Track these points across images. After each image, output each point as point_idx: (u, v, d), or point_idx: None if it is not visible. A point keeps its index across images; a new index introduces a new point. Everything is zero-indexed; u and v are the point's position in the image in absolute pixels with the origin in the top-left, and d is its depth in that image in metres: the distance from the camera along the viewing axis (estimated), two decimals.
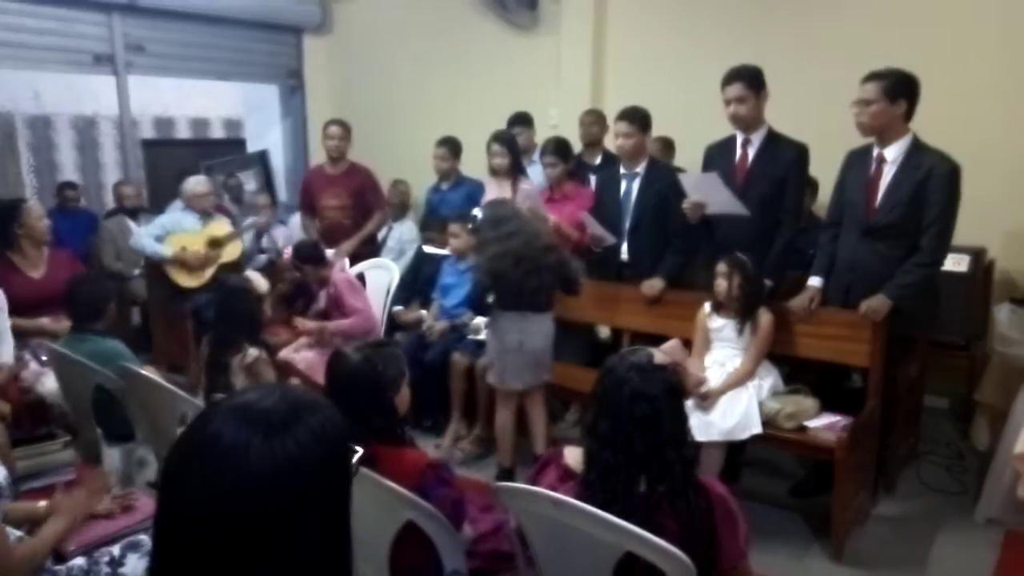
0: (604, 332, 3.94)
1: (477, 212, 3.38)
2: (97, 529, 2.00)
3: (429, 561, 1.88)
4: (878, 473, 3.22)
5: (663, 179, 3.52)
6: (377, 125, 6.14)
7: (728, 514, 1.65)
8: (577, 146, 4.51)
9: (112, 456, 2.98)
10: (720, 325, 3.10)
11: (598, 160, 4.43)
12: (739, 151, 3.29)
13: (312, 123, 6.62)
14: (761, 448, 3.07)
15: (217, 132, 8.57)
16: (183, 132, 8.38)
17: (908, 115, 2.91)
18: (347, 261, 4.64)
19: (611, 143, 4.17)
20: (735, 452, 3.02)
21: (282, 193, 6.89)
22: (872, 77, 2.89)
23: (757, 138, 3.25)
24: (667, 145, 4.46)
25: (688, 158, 3.56)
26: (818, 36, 4.34)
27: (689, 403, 2.43)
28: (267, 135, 7.12)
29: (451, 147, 4.69)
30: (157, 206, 5.71)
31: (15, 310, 3.36)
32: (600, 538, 1.59)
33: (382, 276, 4.49)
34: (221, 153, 6.92)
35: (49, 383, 3.19)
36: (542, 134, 4.61)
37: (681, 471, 1.64)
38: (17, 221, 3.66)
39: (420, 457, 2.00)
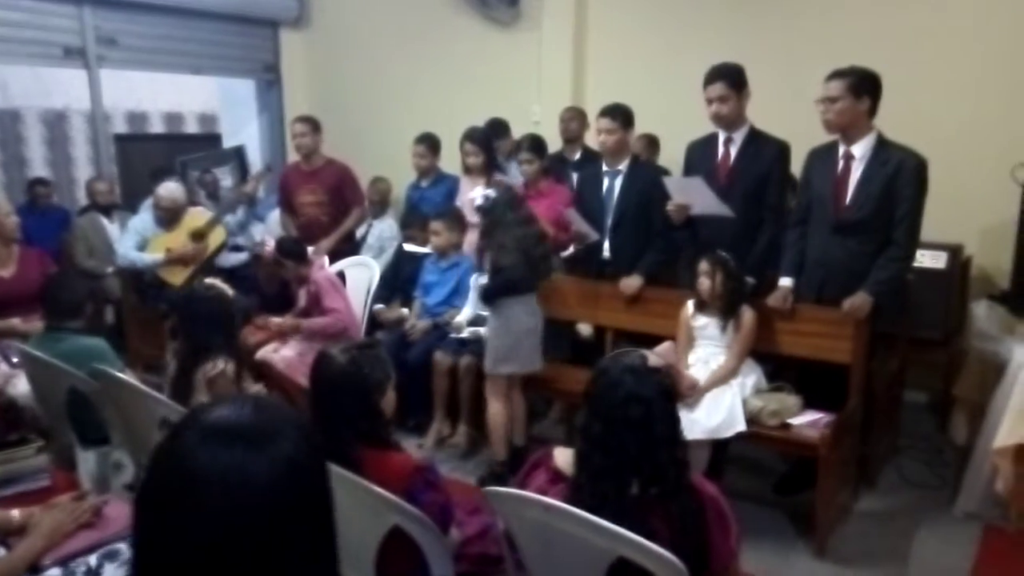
0: (585, 330, 3.92)
1: (490, 193, 3.34)
2: (74, 540, 1.93)
3: (416, 567, 1.86)
4: (859, 469, 3.24)
5: (646, 177, 3.52)
6: (356, 121, 6.07)
7: (720, 515, 1.65)
8: (557, 142, 4.50)
9: (87, 460, 2.91)
10: (703, 323, 3.11)
11: (577, 156, 4.42)
12: (721, 149, 3.29)
13: (289, 118, 6.44)
14: (743, 445, 3.07)
15: (191, 127, 8.44)
16: (156, 127, 8.24)
17: (872, 112, 2.95)
18: (326, 259, 4.59)
19: (592, 140, 4.17)
20: (719, 450, 3.03)
21: (260, 190, 6.78)
22: (836, 75, 2.93)
23: (739, 136, 3.25)
24: (652, 142, 4.47)
25: (670, 156, 3.56)
26: (798, 34, 4.36)
27: None
28: (243, 130, 7.01)
29: (429, 144, 4.64)
30: (130, 203, 5.59)
31: None
32: (592, 542, 1.57)
33: (362, 274, 4.45)
34: (196, 148, 6.79)
35: (21, 385, 3.11)
36: (525, 130, 4.58)
37: (674, 473, 1.63)
38: None
39: (407, 460, 1.98)
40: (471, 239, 4.13)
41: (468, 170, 4.22)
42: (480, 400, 3.66)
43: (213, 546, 0.77)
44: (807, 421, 2.91)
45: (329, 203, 4.70)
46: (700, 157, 3.37)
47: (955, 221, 3.76)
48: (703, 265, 3.04)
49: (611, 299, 3.52)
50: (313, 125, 4.68)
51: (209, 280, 3.18)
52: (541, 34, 5.23)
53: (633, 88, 4.37)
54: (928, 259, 3.63)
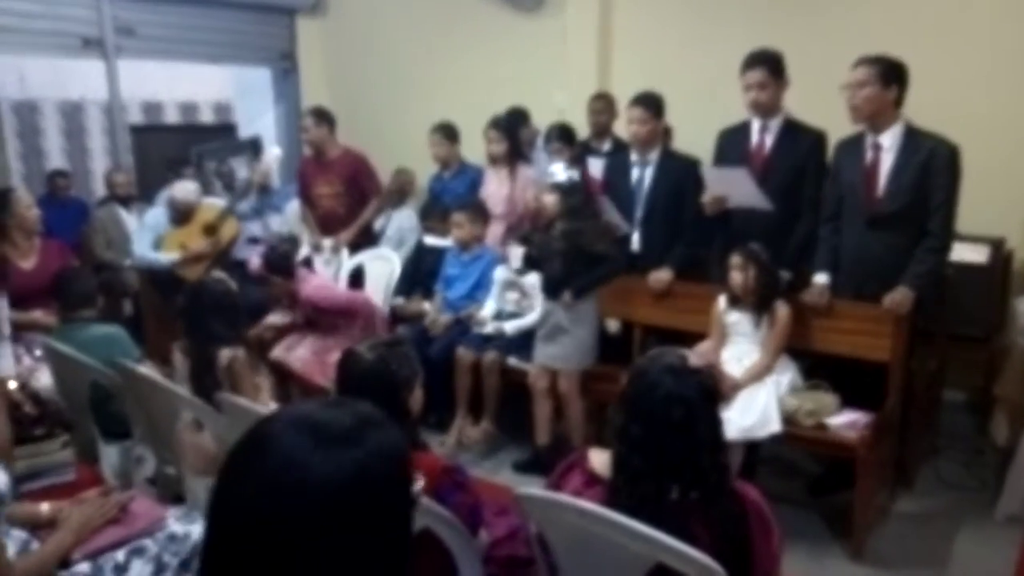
0: (613, 326, 3.83)
1: (574, 174, 3.29)
2: (101, 535, 1.94)
3: (446, 570, 1.81)
4: (896, 470, 3.16)
5: (680, 168, 3.42)
6: (375, 110, 6.01)
7: (763, 521, 1.60)
8: (583, 131, 4.40)
9: (110, 454, 2.91)
10: (736, 319, 3.02)
11: (607, 147, 4.32)
12: (755, 138, 3.20)
13: (306, 107, 6.48)
14: (776, 445, 2.99)
15: (206, 117, 8.41)
16: (171, 117, 8.21)
17: (899, 102, 2.88)
18: (346, 251, 4.53)
19: (620, 128, 4.07)
20: (752, 450, 2.95)
21: (275, 180, 6.74)
22: (863, 61, 2.86)
23: (775, 125, 3.16)
24: (664, 132, 4.34)
25: (698, 143, 3.45)
26: (831, 21, 4.23)
27: None
28: (259, 120, 6.97)
29: (445, 133, 4.52)
30: (146, 194, 5.57)
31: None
32: (630, 548, 1.53)
33: (383, 267, 4.39)
34: (211, 138, 6.75)
35: (44, 379, 3.10)
36: (549, 119, 4.49)
37: (716, 478, 1.58)
38: (7, 211, 3.56)
39: (435, 461, 1.94)
40: (495, 231, 4.06)
41: (493, 160, 4.15)
42: (504, 397, 3.60)
43: (270, 523, 0.79)
44: (845, 421, 2.81)
45: (346, 194, 4.63)
46: (732, 145, 3.28)
47: (997, 214, 3.65)
48: (735, 259, 2.95)
49: (640, 294, 3.42)
50: (319, 117, 4.56)
51: (218, 273, 3.16)
52: (565, 20, 5.13)
53: (660, 73, 4.27)
54: (969, 253, 3.52)
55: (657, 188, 3.45)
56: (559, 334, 3.28)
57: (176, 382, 2.70)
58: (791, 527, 2.88)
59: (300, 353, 3.67)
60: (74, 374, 2.87)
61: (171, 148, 6.27)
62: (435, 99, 5.60)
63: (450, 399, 3.71)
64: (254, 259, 3.75)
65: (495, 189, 4.20)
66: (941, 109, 2.97)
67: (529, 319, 3.63)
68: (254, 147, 6.72)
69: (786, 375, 2.93)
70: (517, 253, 3.59)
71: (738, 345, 3.02)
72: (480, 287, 3.93)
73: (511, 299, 3.80)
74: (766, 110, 3.12)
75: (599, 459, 1.73)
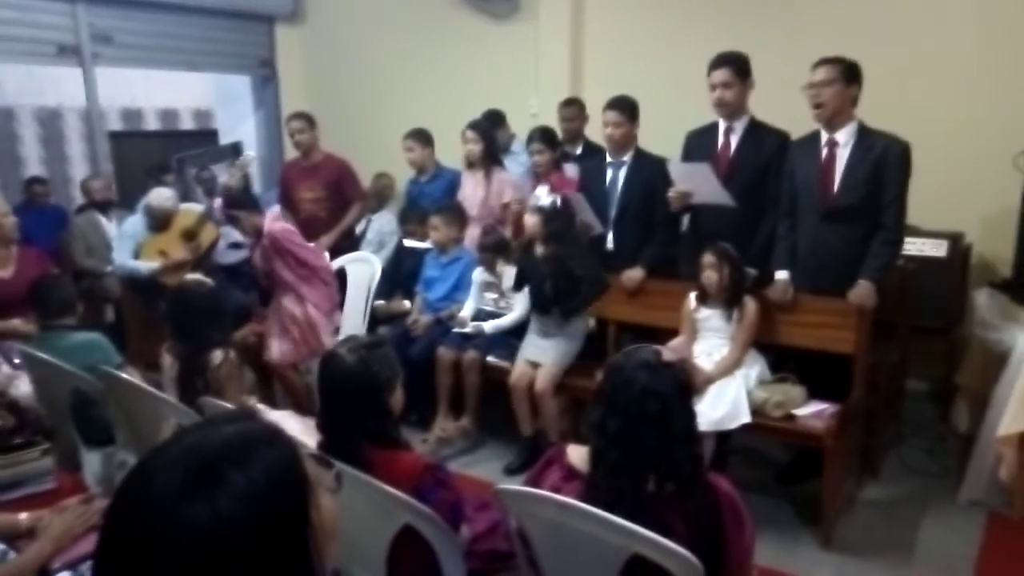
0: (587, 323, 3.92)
1: (558, 200, 3.41)
2: (82, 543, 1.90)
3: (428, 566, 1.85)
4: (863, 458, 3.26)
5: (651, 169, 3.50)
6: (353, 116, 6.04)
7: (736, 513, 1.64)
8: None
9: (92, 461, 2.89)
10: (707, 315, 3.11)
11: (579, 151, 4.40)
12: (721, 139, 3.29)
13: (286, 114, 6.48)
14: (745, 435, 3.08)
15: (187, 123, 8.40)
16: (151, 124, 8.19)
17: (855, 100, 2.99)
18: (327, 254, 4.57)
19: (591, 132, 4.15)
20: (722, 441, 3.03)
21: (256, 186, 6.76)
22: (825, 62, 2.96)
23: (740, 126, 3.25)
24: None
25: (667, 146, 3.54)
26: (796, 25, 4.33)
27: None
28: (240, 127, 6.97)
29: (419, 138, 4.57)
30: (126, 201, 5.56)
31: None
32: (607, 540, 1.56)
33: (364, 270, 4.43)
34: (192, 145, 6.77)
35: (23, 387, 3.09)
36: (523, 123, 4.56)
37: (691, 469, 1.62)
38: None
39: (416, 459, 1.97)
40: (472, 234, 4.13)
41: (470, 163, 4.21)
42: (484, 395, 3.67)
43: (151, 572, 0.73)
44: (811, 412, 2.91)
45: (328, 199, 4.68)
46: (699, 146, 3.37)
47: (956, 209, 3.76)
48: (708, 258, 3.03)
49: (614, 292, 3.51)
50: (309, 121, 4.66)
51: (197, 276, 3.19)
52: (538, 26, 5.21)
53: (630, 79, 4.35)
54: (929, 247, 3.64)
55: (630, 189, 3.54)
56: (550, 336, 3.45)
57: (164, 384, 2.72)
58: (762, 515, 2.94)
59: (274, 347, 3.74)
60: (55, 381, 2.83)
61: (151, 155, 6.26)
62: (411, 105, 5.67)
63: (431, 398, 3.77)
64: (217, 203, 3.75)
65: (471, 192, 4.26)
66: (898, 105, 3.06)
67: (508, 319, 3.71)
68: (235, 152, 6.73)
69: (755, 368, 3.02)
70: (509, 273, 3.68)
71: (708, 340, 3.11)
72: (459, 288, 4.00)
73: (490, 299, 3.88)
74: (731, 110, 3.21)
75: (577, 454, 1.76)
